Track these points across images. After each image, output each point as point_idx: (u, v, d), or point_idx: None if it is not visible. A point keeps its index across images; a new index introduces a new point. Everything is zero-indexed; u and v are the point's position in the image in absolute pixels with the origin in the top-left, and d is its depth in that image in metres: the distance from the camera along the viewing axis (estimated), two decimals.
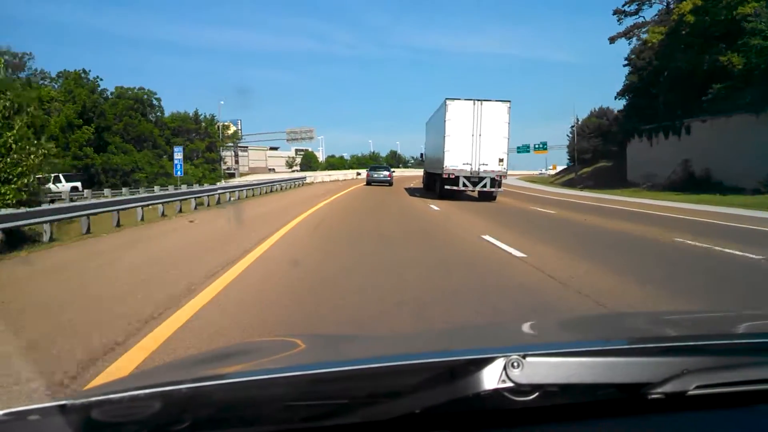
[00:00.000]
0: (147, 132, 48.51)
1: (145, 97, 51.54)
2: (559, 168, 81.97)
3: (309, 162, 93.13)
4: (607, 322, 2.13)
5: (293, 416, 0.96)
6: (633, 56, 48.12)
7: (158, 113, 53.27)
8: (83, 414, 0.88)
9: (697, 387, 1.03)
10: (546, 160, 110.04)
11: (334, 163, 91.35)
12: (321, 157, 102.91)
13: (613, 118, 56.16)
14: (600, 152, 56.36)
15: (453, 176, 21.42)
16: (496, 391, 0.97)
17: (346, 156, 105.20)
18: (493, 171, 21.42)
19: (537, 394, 0.99)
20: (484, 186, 21.54)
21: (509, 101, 21.47)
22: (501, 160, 21.43)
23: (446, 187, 21.80)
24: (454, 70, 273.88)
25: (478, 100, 21.39)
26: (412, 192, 28.67)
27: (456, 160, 21.36)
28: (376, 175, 36.11)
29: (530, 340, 1.54)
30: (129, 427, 0.90)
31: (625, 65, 50.45)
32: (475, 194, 23.25)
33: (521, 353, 0.99)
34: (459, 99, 21.52)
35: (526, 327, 1.69)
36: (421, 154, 35.69)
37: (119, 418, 0.89)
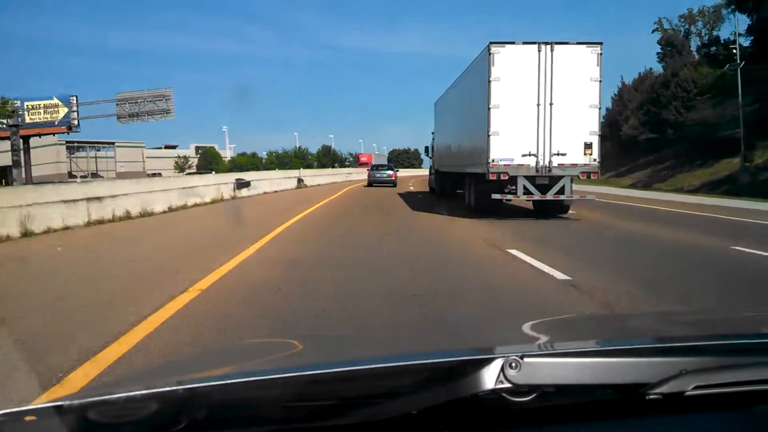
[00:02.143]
0: None
1: None
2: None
3: (210, 162, 72.58)
4: (605, 323, 2.13)
5: (292, 417, 0.97)
6: None
7: None
8: (80, 415, 0.88)
9: (696, 387, 1.02)
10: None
11: (243, 164, 68.51)
12: (232, 154, 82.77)
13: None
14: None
15: (505, 176, 12.34)
16: (494, 391, 0.96)
17: (262, 154, 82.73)
18: (575, 165, 12.33)
19: (535, 394, 0.99)
20: (561, 192, 12.46)
21: (600, 43, 12.40)
22: (588, 147, 12.31)
23: (494, 196, 12.71)
24: (382, 70, 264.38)
25: (546, 44, 12.30)
26: (417, 203, 19.46)
27: (510, 148, 12.26)
28: (378, 175, 34.29)
29: (528, 341, 1.47)
30: (126, 428, 0.89)
31: None
32: (529, 204, 14.19)
33: (519, 354, 0.98)
34: (513, 43, 12.42)
35: (524, 327, 1.65)
36: (427, 148, 26.55)
37: (116, 419, 0.89)
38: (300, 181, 32.14)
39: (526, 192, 12.39)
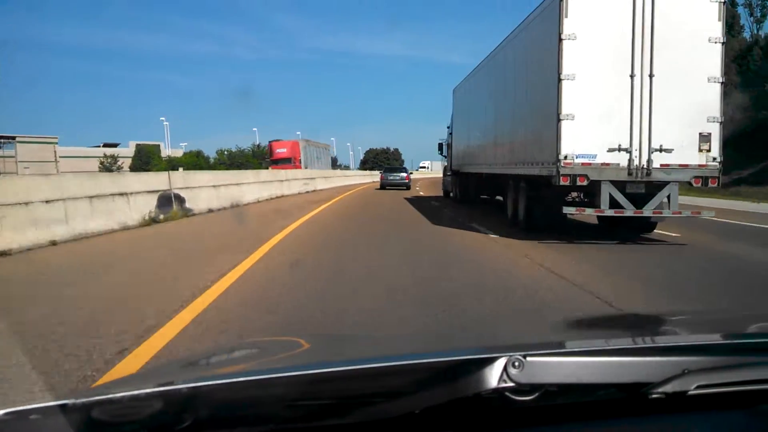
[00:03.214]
0: None
1: None
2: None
3: (146, 162, 62.16)
4: (608, 322, 2.10)
5: (294, 416, 0.95)
6: None
7: None
8: (84, 413, 0.87)
9: (698, 387, 1.00)
10: None
11: (184, 164, 53.39)
12: (180, 154, 71.93)
13: None
14: None
15: (583, 180, 8.33)
16: (497, 391, 0.94)
17: (209, 154, 70.90)
18: (686, 167, 8.34)
19: (538, 394, 0.97)
20: (661, 205, 8.49)
21: None
22: (706, 140, 8.34)
23: (566, 210, 8.71)
24: (365, 72, 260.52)
25: None
26: (440, 219, 15.22)
27: (590, 139, 8.24)
28: (391, 178, 32.83)
29: (531, 340, 1.47)
30: (130, 427, 0.88)
31: None
32: (590, 217, 10.15)
33: (522, 353, 0.96)
34: None
35: (526, 327, 1.67)
36: (441, 145, 22.43)
37: (120, 418, 0.88)
38: (173, 201, 11.91)
39: (614, 205, 8.39)
